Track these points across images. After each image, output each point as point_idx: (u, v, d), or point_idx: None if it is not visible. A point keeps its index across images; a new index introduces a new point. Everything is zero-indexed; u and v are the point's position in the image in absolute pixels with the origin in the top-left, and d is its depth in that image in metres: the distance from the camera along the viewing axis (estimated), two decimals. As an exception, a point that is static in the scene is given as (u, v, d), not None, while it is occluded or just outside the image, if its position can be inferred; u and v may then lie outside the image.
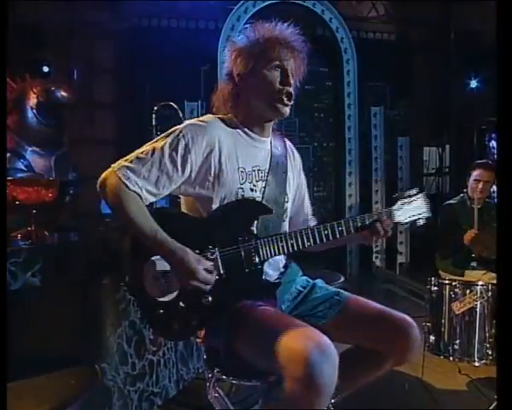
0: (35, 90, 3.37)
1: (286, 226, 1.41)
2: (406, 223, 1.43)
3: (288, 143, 1.49)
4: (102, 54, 4.83)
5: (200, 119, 1.30)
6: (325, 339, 1.04)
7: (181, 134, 1.21)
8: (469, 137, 5.41)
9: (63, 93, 3.51)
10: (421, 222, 1.44)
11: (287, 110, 1.30)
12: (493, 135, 5.40)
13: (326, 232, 1.29)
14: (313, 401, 0.99)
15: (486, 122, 5.32)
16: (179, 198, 1.38)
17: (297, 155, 1.51)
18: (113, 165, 1.19)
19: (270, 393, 1.12)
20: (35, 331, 1.45)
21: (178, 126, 1.25)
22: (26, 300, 1.45)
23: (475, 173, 2.79)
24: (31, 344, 1.40)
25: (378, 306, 1.33)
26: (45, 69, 3.65)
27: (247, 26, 1.32)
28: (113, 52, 4.90)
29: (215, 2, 4.73)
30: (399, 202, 1.42)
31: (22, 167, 3.25)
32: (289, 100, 1.29)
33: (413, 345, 1.25)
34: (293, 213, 1.49)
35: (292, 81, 1.28)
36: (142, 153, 1.19)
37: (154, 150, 1.19)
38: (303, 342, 1.02)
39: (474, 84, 5.29)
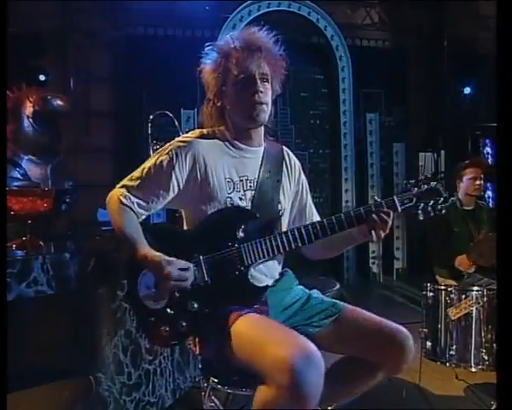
0: (31, 99, 3.38)
1: None
2: (416, 211, 1.23)
3: (286, 149, 1.49)
4: (99, 62, 4.84)
5: (187, 135, 1.38)
6: (311, 346, 1.04)
7: (165, 152, 1.30)
8: (464, 142, 5.45)
9: (59, 102, 3.51)
10: (443, 211, 1.22)
11: (264, 117, 1.31)
12: (487, 141, 5.44)
13: (315, 230, 1.24)
14: (299, 408, 0.99)
15: (481, 128, 5.36)
16: (176, 213, 1.41)
17: (295, 162, 1.50)
18: (117, 185, 1.32)
19: (256, 398, 1.10)
20: (29, 343, 1.44)
21: (166, 145, 1.34)
22: (20, 311, 1.45)
23: (469, 172, 2.80)
24: (25, 356, 1.39)
25: (373, 317, 1.31)
26: (41, 78, 3.67)
27: (208, 47, 1.34)
28: (109, 61, 4.91)
29: (211, 11, 4.76)
30: (406, 190, 1.26)
31: (18, 176, 3.24)
32: (263, 105, 1.29)
33: (408, 356, 1.25)
34: (295, 219, 1.48)
35: (260, 87, 1.28)
36: (137, 171, 1.31)
37: (144, 169, 1.30)
38: (288, 350, 1.01)
39: (468, 90, 5.34)
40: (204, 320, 1.23)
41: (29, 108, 3.37)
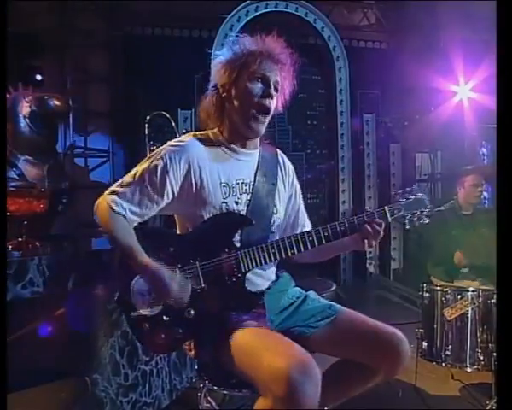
0: (28, 99, 3.37)
1: (275, 237, 1.38)
2: (404, 221, 1.32)
3: (280, 152, 1.49)
4: (96, 62, 4.82)
5: (179, 139, 1.35)
6: (308, 358, 1.04)
7: (159, 156, 1.27)
8: (460, 143, 5.47)
9: (56, 102, 3.50)
10: (426, 220, 1.32)
11: (261, 128, 1.31)
12: (483, 142, 5.47)
13: (311, 239, 1.26)
14: None
15: (477, 129, 5.37)
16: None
17: (289, 165, 1.50)
18: (106, 191, 1.27)
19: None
20: (25, 344, 1.44)
21: (159, 149, 1.30)
22: (16, 312, 1.44)
23: (471, 179, 2.80)
24: (21, 357, 1.39)
25: (369, 320, 1.31)
26: (38, 78, 3.65)
27: (232, 38, 1.34)
28: (106, 61, 4.90)
29: (208, 11, 4.76)
30: (394, 200, 1.33)
31: (15, 176, 3.23)
32: (265, 116, 1.30)
33: (403, 360, 1.25)
34: (288, 224, 1.48)
35: (273, 93, 1.30)
36: (128, 177, 1.27)
37: (136, 174, 1.26)
38: (284, 361, 1.01)
39: (464, 91, 5.35)
40: (201, 327, 1.22)
41: (26, 109, 3.36)
